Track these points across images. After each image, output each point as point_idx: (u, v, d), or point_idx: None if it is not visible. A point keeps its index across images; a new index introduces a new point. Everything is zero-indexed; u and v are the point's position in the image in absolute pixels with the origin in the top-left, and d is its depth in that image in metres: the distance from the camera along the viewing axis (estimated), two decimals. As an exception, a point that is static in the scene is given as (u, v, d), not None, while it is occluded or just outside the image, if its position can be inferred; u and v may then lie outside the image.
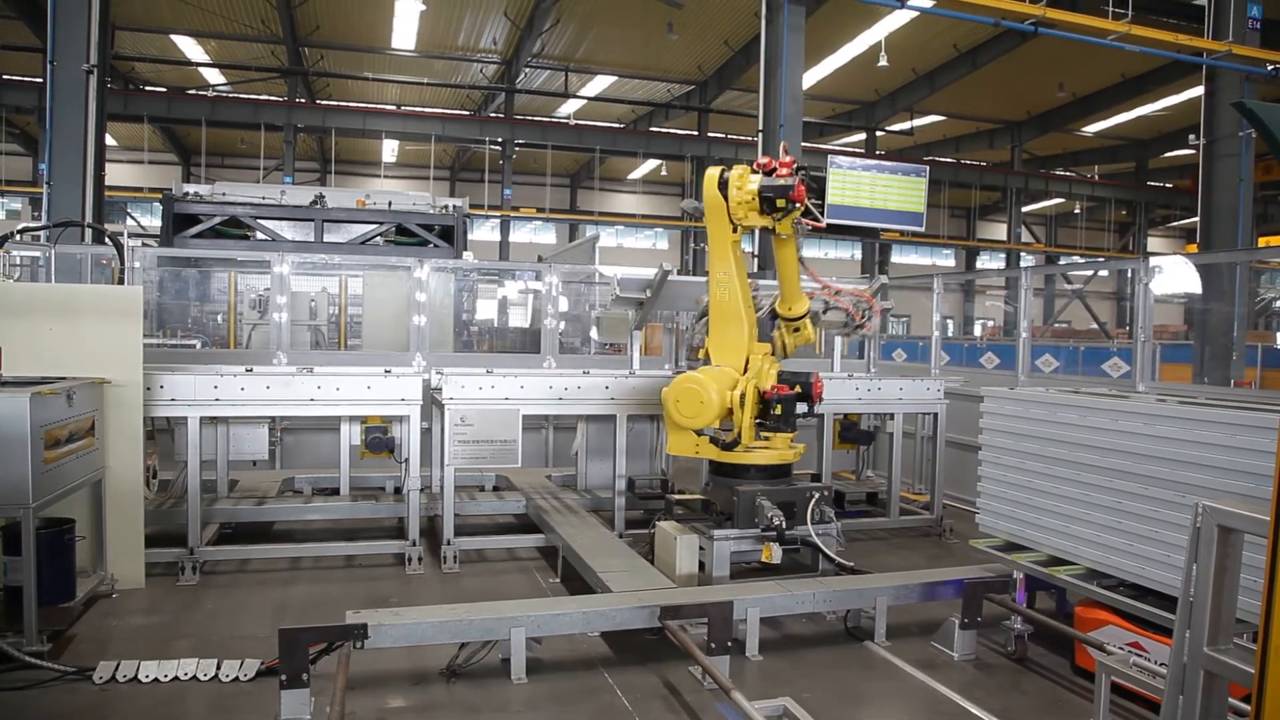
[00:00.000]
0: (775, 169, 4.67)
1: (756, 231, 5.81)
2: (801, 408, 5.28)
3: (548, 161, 28.30)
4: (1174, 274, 13.00)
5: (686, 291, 6.81)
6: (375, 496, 7.12)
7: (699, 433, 5.27)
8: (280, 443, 8.03)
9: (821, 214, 4.90)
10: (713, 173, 4.94)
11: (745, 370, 5.20)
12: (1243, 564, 2.61)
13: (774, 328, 5.27)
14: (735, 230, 4.93)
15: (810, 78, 21.57)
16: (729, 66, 23.42)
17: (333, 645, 3.95)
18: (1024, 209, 33.63)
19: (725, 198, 4.87)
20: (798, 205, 4.70)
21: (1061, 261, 34.99)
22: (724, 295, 5.09)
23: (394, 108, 26.37)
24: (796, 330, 5.26)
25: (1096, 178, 32.57)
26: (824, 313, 5.69)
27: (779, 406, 5.13)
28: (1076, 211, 34.97)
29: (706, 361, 5.41)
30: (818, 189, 4.92)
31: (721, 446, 5.22)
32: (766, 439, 5.30)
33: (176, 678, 4.14)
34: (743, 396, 5.06)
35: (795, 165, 4.69)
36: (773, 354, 5.38)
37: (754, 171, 4.75)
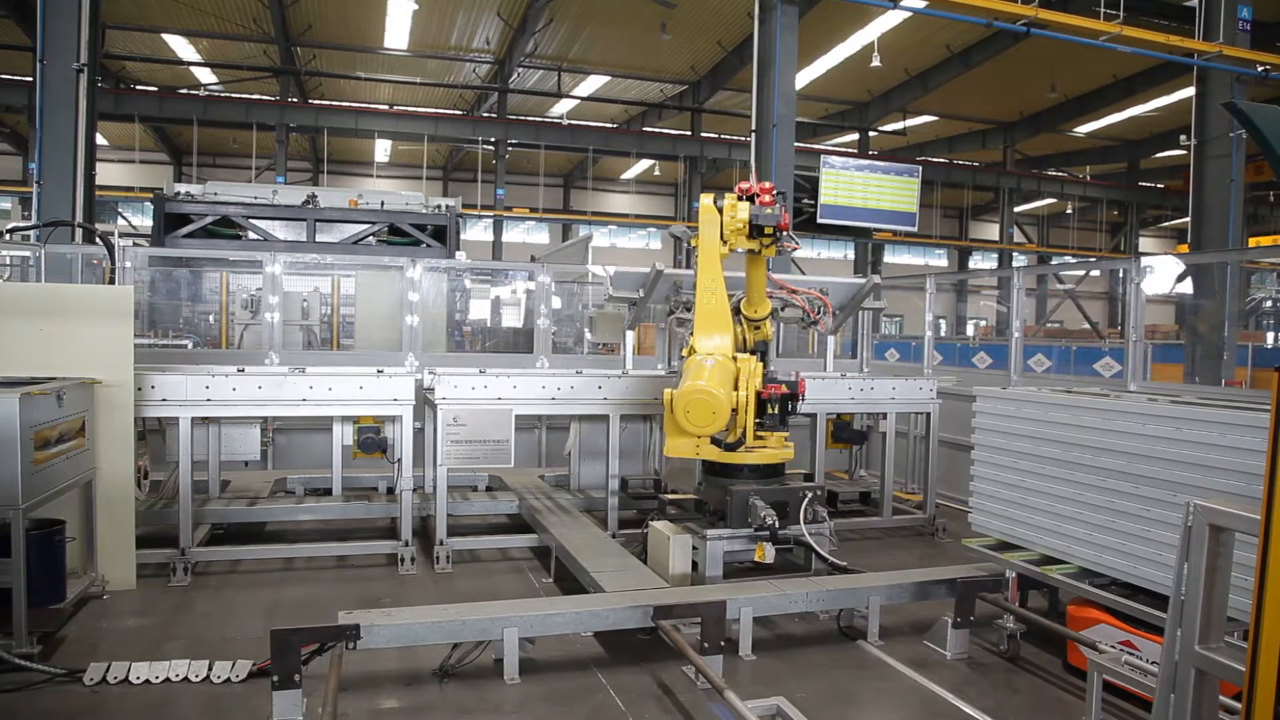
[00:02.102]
0: (757, 195, 5.12)
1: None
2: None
3: (541, 161, 28.27)
4: (1165, 274, 13.06)
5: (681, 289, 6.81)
6: (368, 497, 7.09)
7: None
8: (272, 443, 8.02)
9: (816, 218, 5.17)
10: (707, 200, 5.35)
11: (733, 357, 5.37)
12: (1234, 562, 2.62)
13: (737, 323, 5.63)
14: (724, 245, 5.27)
15: (803, 78, 21.60)
16: (722, 66, 23.42)
17: (325, 646, 3.95)
18: (1016, 209, 33.73)
19: (721, 216, 5.25)
20: (783, 232, 5.20)
21: (1054, 261, 35.09)
22: (712, 300, 5.37)
23: (387, 107, 26.30)
24: (757, 328, 5.72)
25: (1088, 178, 32.68)
26: (782, 310, 6.17)
27: (774, 406, 5.26)
28: (1069, 211, 35.07)
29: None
30: (810, 189, 5.09)
31: (724, 447, 5.25)
32: (761, 439, 5.36)
33: (168, 679, 4.12)
34: (745, 398, 5.20)
35: (775, 190, 5.20)
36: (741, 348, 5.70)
37: (740, 198, 5.17)
